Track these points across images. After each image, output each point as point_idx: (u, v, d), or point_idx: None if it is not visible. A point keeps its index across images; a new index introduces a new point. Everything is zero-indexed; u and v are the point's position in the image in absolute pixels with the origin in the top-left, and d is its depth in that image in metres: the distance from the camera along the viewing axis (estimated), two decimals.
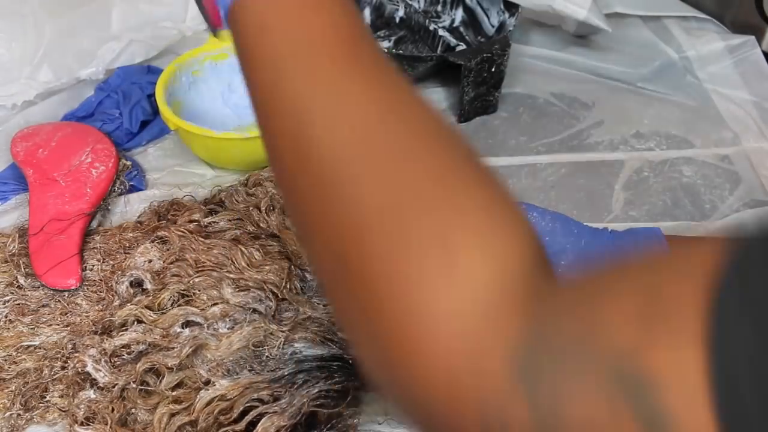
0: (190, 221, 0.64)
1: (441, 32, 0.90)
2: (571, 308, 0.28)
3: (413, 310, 0.29)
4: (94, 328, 0.57)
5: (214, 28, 0.41)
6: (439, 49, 0.90)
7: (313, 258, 0.35)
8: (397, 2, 0.93)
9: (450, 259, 0.30)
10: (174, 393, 0.52)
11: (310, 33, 0.36)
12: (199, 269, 0.59)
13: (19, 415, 0.53)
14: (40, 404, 0.54)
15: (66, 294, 0.61)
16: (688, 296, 0.25)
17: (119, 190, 0.70)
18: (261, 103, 0.37)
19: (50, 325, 0.59)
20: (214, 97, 0.80)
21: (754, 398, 0.22)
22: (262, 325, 0.54)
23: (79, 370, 0.54)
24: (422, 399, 0.29)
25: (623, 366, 0.25)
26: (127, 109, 0.77)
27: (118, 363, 0.54)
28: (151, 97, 0.79)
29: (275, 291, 0.57)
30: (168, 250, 0.61)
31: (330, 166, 0.32)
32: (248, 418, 0.50)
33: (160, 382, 0.52)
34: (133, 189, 0.72)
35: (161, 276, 0.59)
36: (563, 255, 0.53)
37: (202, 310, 0.56)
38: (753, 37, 0.89)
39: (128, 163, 0.73)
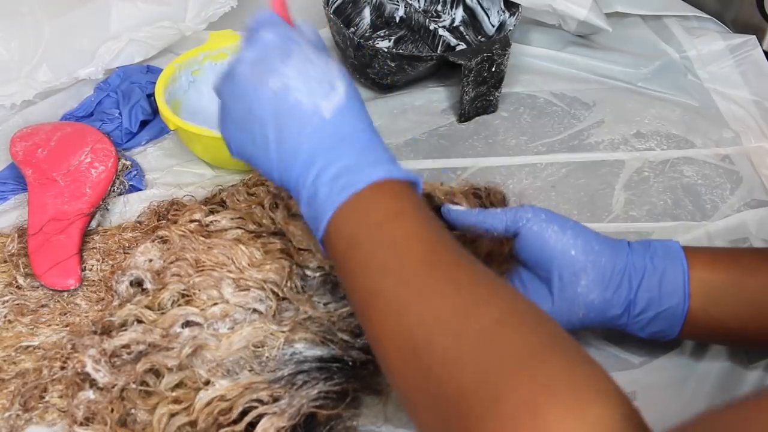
0: (191, 221, 0.64)
1: (441, 32, 0.90)
2: None
3: None
4: (93, 328, 0.57)
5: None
6: (440, 48, 0.90)
7: (419, 424, 0.40)
8: (398, 2, 0.93)
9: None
10: (174, 393, 0.52)
11: (393, 243, 0.43)
12: (200, 269, 0.59)
13: (18, 415, 0.53)
14: (40, 405, 0.54)
15: (65, 294, 0.61)
16: None
17: (119, 190, 0.70)
18: (360, 306, 0.43)
19: (49, 325, 0.59)
20: (214, 97, 0.79)
21: None
22: (262, 325, 0.54)
23: (79, 370, 0.54)
24: None
25: None
26: (127, 108, 0.77)
27: (118, 363, 0.54)
28: (150, 96, 0.79)
29: (275, 290, 0.56)
30: (168, 249, 0.61)
31: (426, 352, 0.38)
32: (248, 418, 0.50)
33: (160, 382, 0.52)
34: (133, 189, 0.72)
35: (161, 276, 0.59)
36: (583, 274, 0.52)
37: (202, 310, 0.56)
38: (754, 37, 0.89)
39: (128, 162, 0.73)
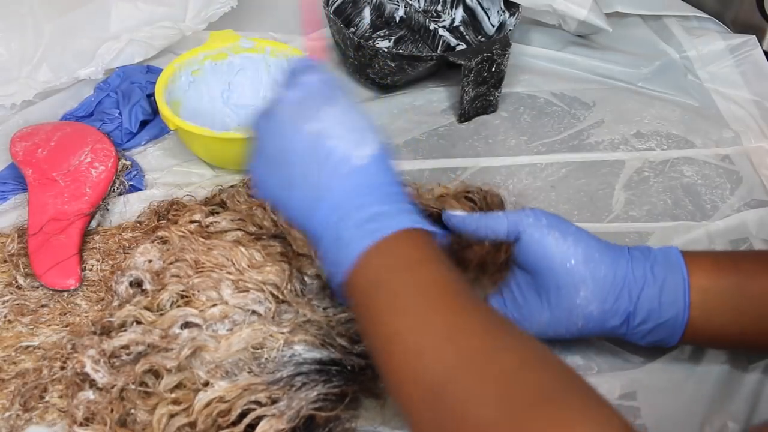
0: (191, 221, 0.64)
1: (441, 32, 0.90)
2: None
3: None
4: (93, 329, 0.57)
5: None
6: (440, 48, 0.90)
7: None
8: (398, 2, 0.93)
9: None
10: (173, 394, 0.52)
11: (418, 287, 0.44)
12: (199, 270, 0.59)
13: (18, 415, 0.53)
14: (40, 405, 0.54)
15: (65, 294, 0.61)
16: None
17: (119, 190, 0.70)
18: (380, 348, 0.44)
19: (49, 325, 0.59)
20: (214, 97, 0.80)
21: None
22: (262, 327, 0.54)
23: (78, 370, 0.54)
24: None
25: None
26: (127, 108, 0.77)
27: (117, 364, 0.54)
28: (150, 96, 0.79)
29: (275, 292, 0.56)
30: (168, 250, 0.61)
31: (448, 391, 0.39)
32: (247, 420, 0.50)
33: (159, 383, 0.52)
34: (133, 189, 0.72)
35: (161, 276, 0.59)
36: (582, 286, 0.52)
37: (201, 311, 0.56)
38: (754, 37, 0.88)
39: (128, 162, 0.73)
